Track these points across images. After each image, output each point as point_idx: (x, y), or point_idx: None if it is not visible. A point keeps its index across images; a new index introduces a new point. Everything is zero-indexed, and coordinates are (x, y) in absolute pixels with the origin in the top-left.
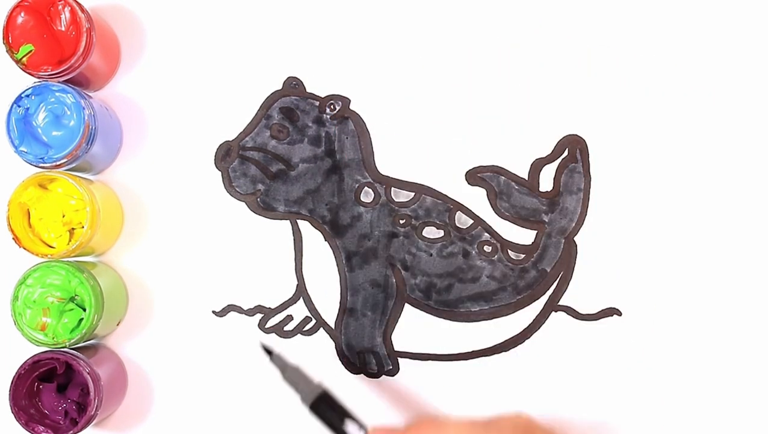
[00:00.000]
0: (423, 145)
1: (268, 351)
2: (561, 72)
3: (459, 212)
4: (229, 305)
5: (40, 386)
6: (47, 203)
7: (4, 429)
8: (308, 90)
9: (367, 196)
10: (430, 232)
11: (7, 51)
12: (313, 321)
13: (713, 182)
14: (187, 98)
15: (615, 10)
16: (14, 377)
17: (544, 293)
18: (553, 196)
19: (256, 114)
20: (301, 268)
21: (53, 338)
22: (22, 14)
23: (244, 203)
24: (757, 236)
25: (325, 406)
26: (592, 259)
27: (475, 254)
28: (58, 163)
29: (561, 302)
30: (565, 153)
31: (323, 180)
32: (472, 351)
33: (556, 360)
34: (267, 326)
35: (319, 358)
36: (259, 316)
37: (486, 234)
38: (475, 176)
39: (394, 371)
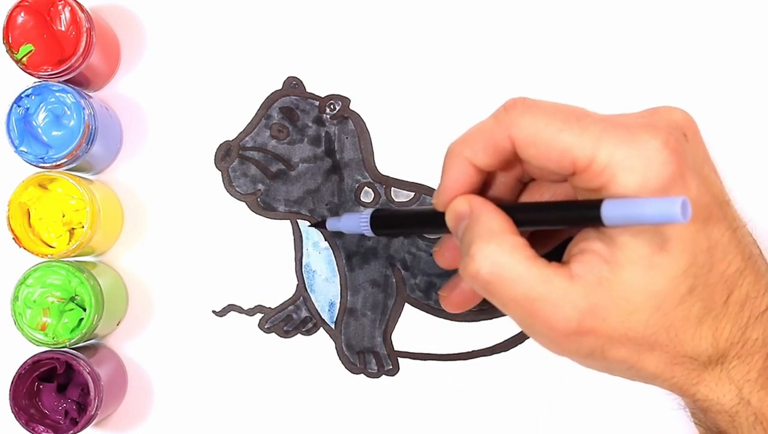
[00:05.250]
0: (423, 145)
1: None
2: (561, 72)
3: None
4: (229, 305)
5: (40, 386)
6: (47, 203)
7: (4, 429)
8: (308, 90)
9: (367, 196)
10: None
11: (7, 51)
12: (313, 321)
13: None
14: (187, 98)
15: (615, 10)
16: (14, 377)
17: None
18: None
19: (256, 114)
20: (301, 268)
21: (53, 338)
22: (22, 14)
23: (244, 203)
24: (757, 236)
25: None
26: None
27: None
28: (58, 163)
29: None
30: None
31: (323, 180)
32: (472, 351)
33: (557, 359)
34: (267, 326)
35: (319, 358)
36: (259, 316)
37: None
38: None
39: (394, 371)
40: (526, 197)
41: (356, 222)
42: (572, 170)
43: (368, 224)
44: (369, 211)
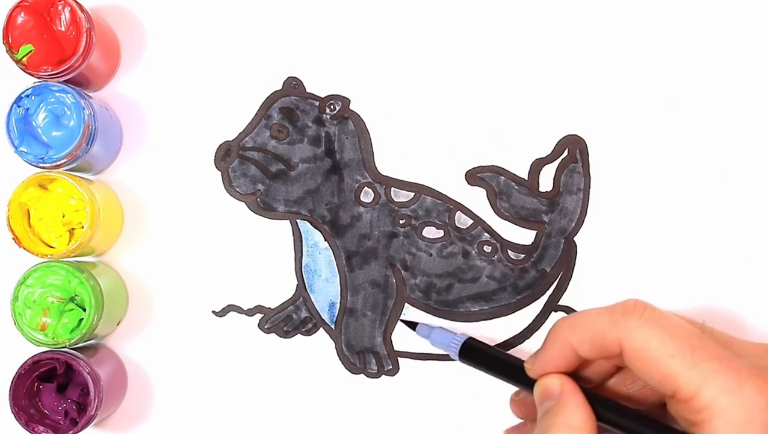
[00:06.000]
0: (423, 145)
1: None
2: (561, 72)
3: (459, 212)
4: (229, 305)
5: (40, 386)
6: (47, 203)
7: (4, 429)
8: (308, 90)
9: (366, 196)
10: (430, 232)
11: (7, 51)
12: (313, 321)
13: (713, 182)
14: (187, 98)
15: (615, 10)
16: (14, 377)
17: (544, 294)
18: (552, 196)
19: (256, 114)
20: (301, 268)
21: (53, 338)
22: (22, 14)
23: (244, 203)
24: (757, 236)
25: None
26: (592, 259)
27: (475, 254)
28: (58, 163)
29: (561, 303)
30: (565, 153)
31: (323, 180)
32: None
33: None
34: (267, 326)
35: (319, 358)
36: (259, 316)
37: (486, 234)
38: (475, 176)
39: (394, 371)
40: (617, 381)
41: (448, 341)
42: (671, 395)
43: (458, 348)
44: (464, 336)
